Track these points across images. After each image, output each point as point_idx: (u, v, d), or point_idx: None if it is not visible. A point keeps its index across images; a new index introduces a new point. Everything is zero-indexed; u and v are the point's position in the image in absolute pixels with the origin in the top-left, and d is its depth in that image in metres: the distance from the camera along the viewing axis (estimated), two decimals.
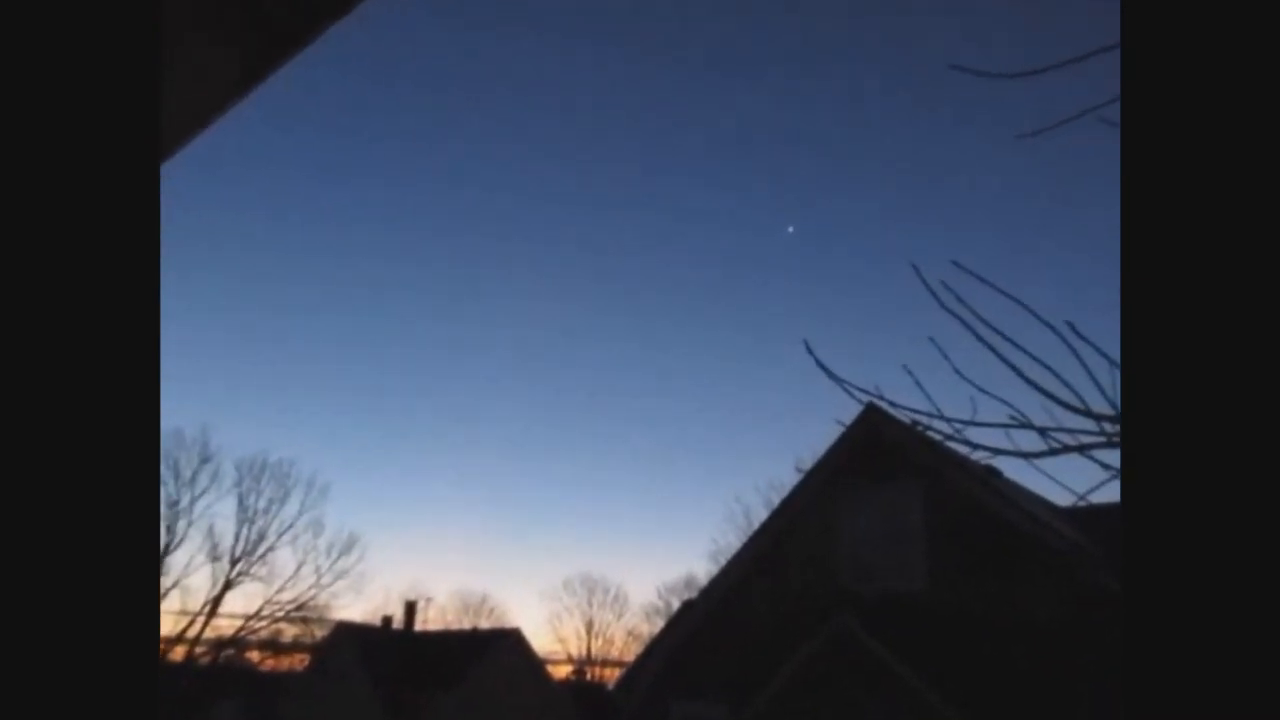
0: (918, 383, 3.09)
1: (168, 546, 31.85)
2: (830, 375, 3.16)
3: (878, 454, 12.51)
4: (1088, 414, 2.76)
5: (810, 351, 3.19)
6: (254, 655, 36.30)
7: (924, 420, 3.10)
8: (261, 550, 34.91)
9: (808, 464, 14.91)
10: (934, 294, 2.93)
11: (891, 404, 3.16)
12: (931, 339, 3.09)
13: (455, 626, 42.57)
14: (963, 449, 3.21)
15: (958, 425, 3.03)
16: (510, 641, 32.44)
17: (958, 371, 3.04)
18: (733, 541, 33.06)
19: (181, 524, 32.50)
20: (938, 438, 3.21)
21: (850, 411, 10.02)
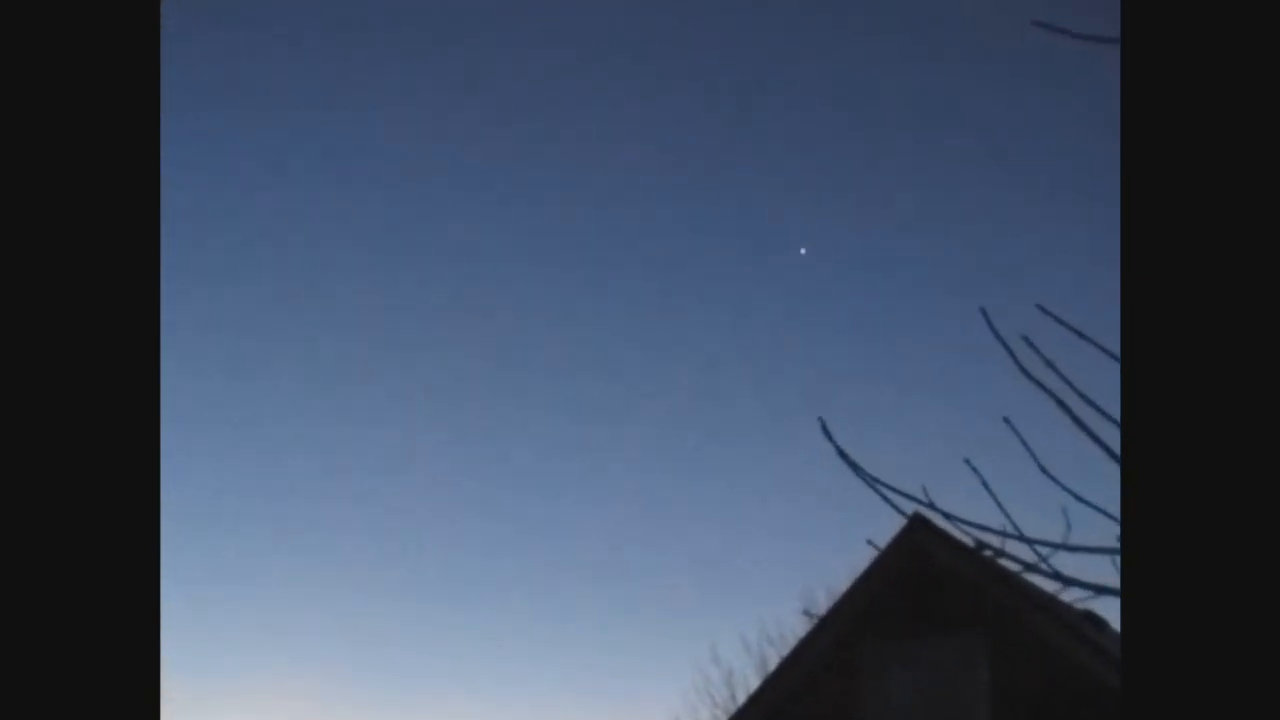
0: (985, 484, 3.05)
1: None
2: (857, 471, 3.07)
3: (925, 590, 12.37)
4: None
5: (827, 435, 3.10)
6: None
7: (993, 541, 3.04)
8: None
9: (822, 606, 14.79)
10: (1010, 353, 2.88)
11: (947, 516, 3.08)
12: (1006, 420, 3.04)
13: None
14: (1049, 584, 3.15)
15: (1043, 549, 2.98)
16: None
17: (1043, 470, 3.02)
18: None
19: None
20: (1013, 567, 3.15)
21: (886, 527, 9.97)
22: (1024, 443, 3.03)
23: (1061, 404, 2.87)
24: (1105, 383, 2.92)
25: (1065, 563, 3.01)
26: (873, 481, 3.07)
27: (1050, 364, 2.88)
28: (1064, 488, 2.98)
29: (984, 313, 2.94)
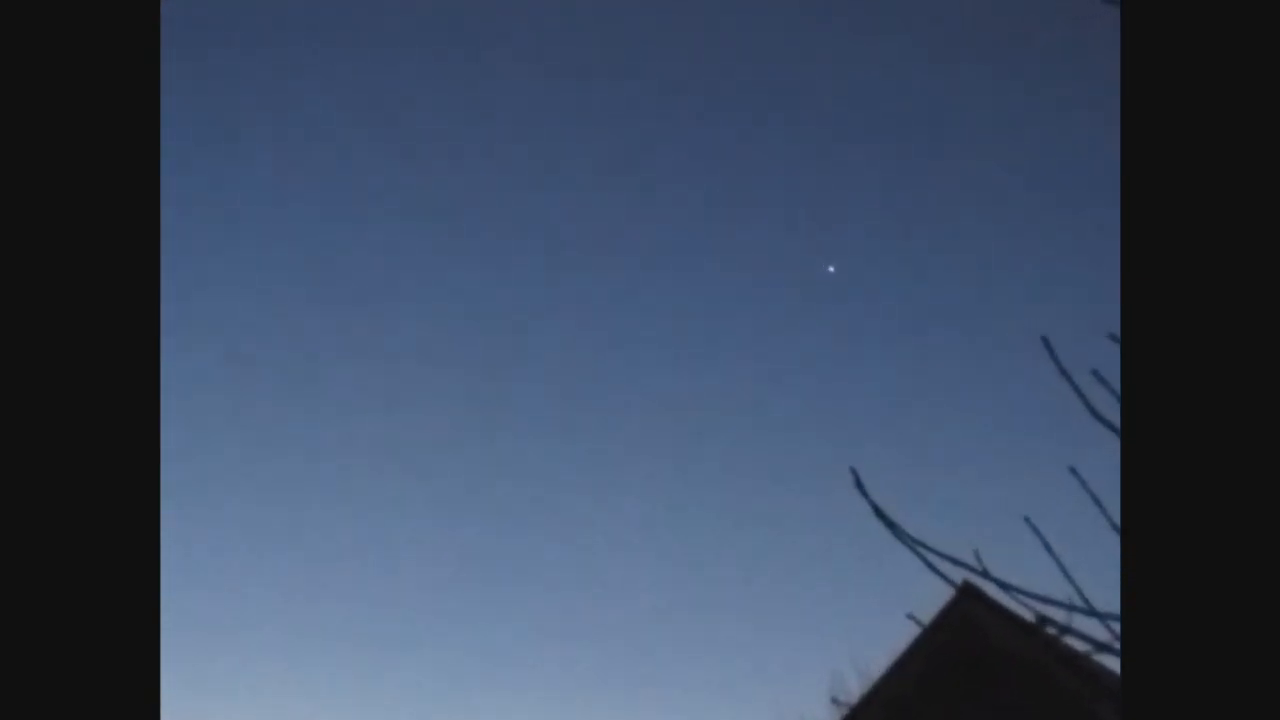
0: (1047, 547, 3.06)
1: None
2: (895, 532, 3.08)
3: (976, 674, 12.30)
4: None
5: (861, 488, 3.08)
6: None
7: (1057, 616, 3.07)
8: None
9: (854, 694, 14.71)
10: (1077, 390, 2.86)
11: (1002, 586, 3.11)
12: (1073, 470, 3.03)
13: None
14: None
15: (1117, 625, 2.96)
16: None
17: (1117, 529, 2.96)
18: None
19: None
20: (1082, 647, 3.16)
21: (930, 598, 9.91)
22: (1094, 497, 2.98)
23: None
24: None
25: None
26: (914, 544, 3.06)
27: None
28: None
29: (1046, 342, 2.90)
